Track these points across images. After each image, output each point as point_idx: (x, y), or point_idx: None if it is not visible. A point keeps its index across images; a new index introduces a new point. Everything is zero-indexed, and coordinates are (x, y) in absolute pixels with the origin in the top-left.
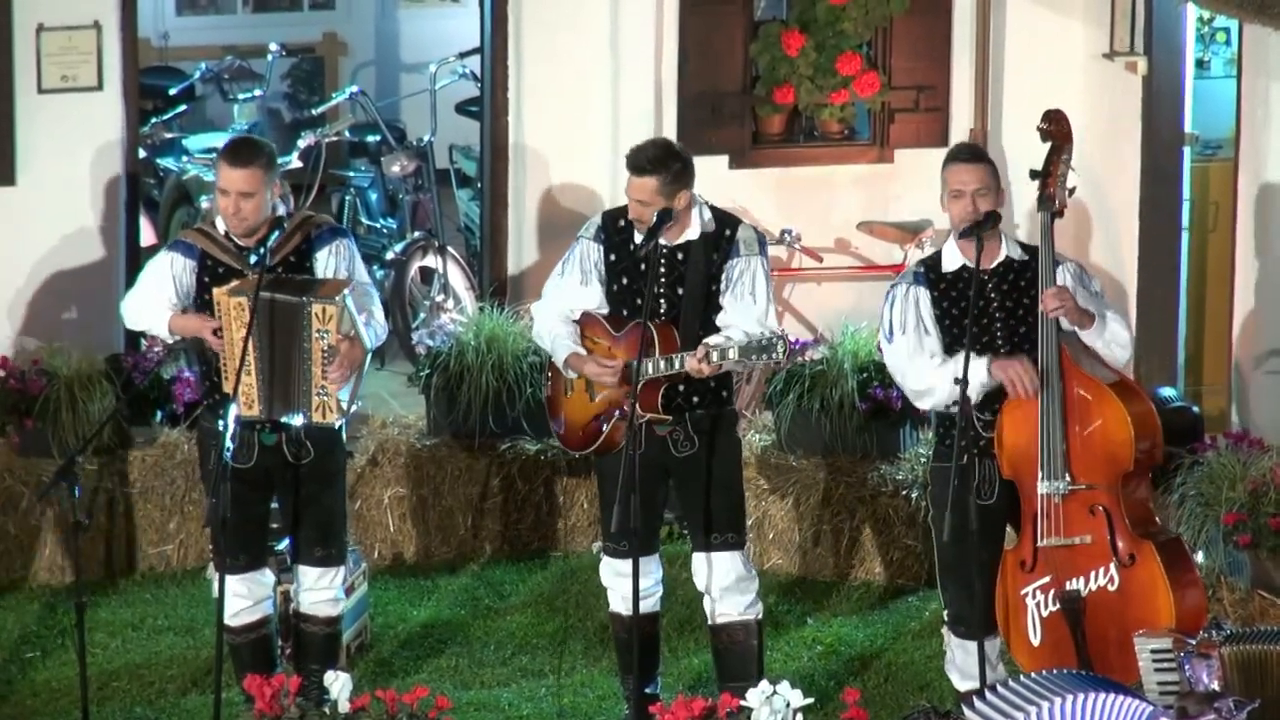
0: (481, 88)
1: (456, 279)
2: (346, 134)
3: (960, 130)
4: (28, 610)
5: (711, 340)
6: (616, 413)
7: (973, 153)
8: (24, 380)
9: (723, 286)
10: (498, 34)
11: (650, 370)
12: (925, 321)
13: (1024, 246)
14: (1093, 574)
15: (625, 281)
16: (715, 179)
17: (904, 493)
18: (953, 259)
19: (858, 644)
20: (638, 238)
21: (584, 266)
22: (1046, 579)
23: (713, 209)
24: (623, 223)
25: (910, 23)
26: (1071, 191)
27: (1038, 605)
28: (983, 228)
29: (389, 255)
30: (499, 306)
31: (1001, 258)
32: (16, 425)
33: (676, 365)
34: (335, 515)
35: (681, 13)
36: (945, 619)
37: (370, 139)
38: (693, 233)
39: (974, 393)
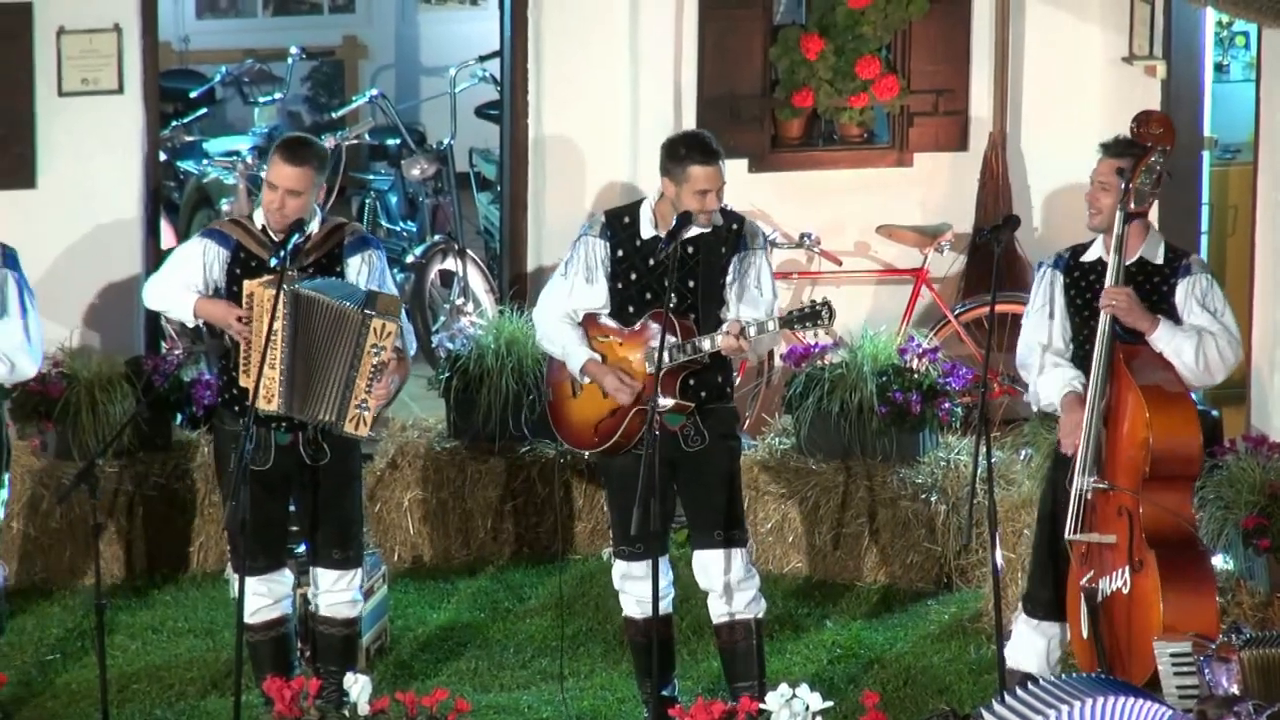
0: (501, 91)
1: (476, 282)
2: (366, 137)
3: (979, 134)
4: (48, 613)
5: (743, 318)
6: (635, 408)
7: (1117, 147)
8: (44, 383)
9: (730, 279)
10: (518, 37)
11: (676, 356)
12: (1053, 305)
13: (1171, 250)
14: (1114, 574)
15: (633, 278)
16: (735, 182)
17: (923, 496)
18: (1096, 249)
19: (877, 647)
20: (644, 233)
21: (589, 263)
22: (1092, 573)
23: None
24: (628, 219)
25: (929, 26)
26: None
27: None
28: (1000, 231)
29: (409, 258)
30: (518, 309)
31: (1136, 256)
32: (38, 428)
33: (707, 346)
34: (353, 517)
35: (701, 16)
36: (1022, 595)
37: (390, 142)
38: (703, 227)
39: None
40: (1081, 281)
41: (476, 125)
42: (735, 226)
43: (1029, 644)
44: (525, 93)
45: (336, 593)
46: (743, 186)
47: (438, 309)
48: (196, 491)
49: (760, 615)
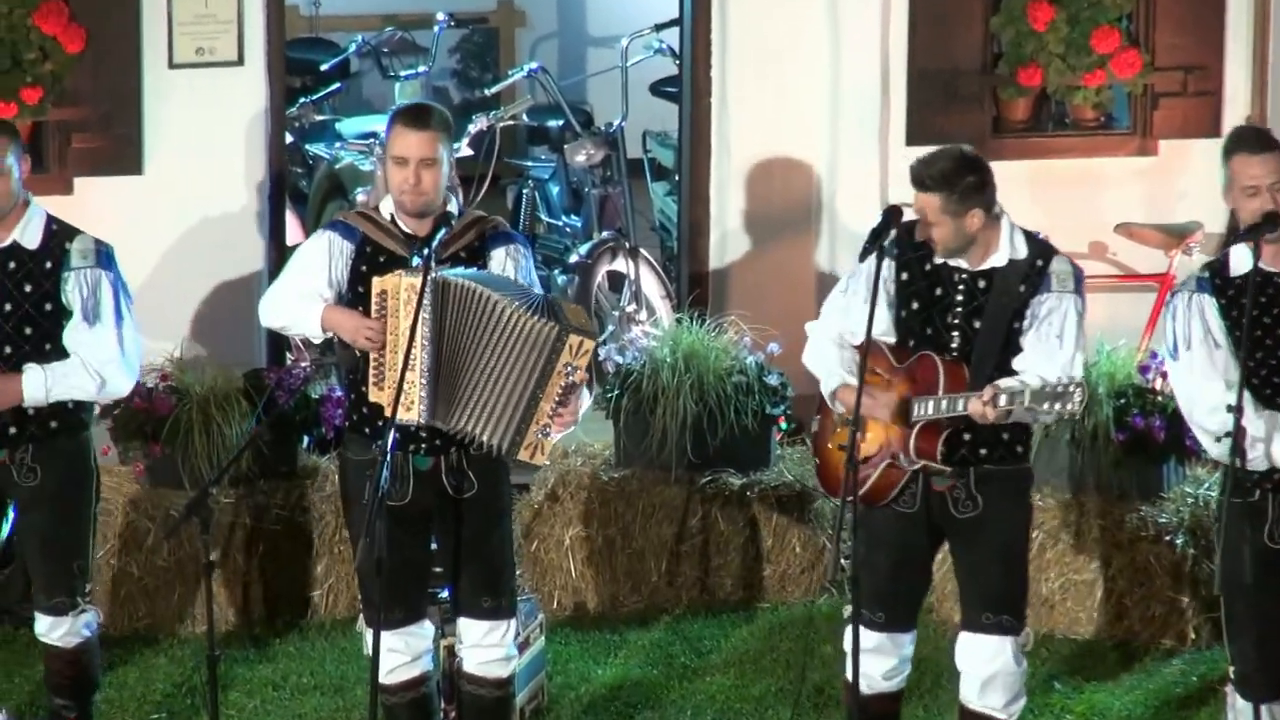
0: (680, 65)
1: (650, 286)
2: (524, 118)
3: (1236, 118)
4: (153, 665)
5: (1003, 382)
6: (890, 458)
7: (1261, 141)
8: (151, 399)
9: (1026, 324)
10: (699, 3)
11: (928, 410)
12: (1214, 334)
13: None
14: None
15: (916, 306)
16: None
17: (1167, 538)
18: (1242, 262)
19: (1112, 713)
20: (937, 257)
21: (869, 283)
22: None
23: (1025, 233)
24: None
25: None
26: None
27: None
28: (1259, 231)
29: (572, 258)
30: (699, 317)
31: None
32: (142, 451)
33: (959, 407)
34: (504, 558)
35: None
36: (1230, 676)
37: (551, 124)
38: (999, 258)
39: (1260, 453)
40: (1242, 300)
41: (651, 104)
42: (1040, 262)
43: None
44: (708, 67)
45: (487, 648)
46: None
47: (605, 317)
48: (325, 526)
49: (1016, 718)
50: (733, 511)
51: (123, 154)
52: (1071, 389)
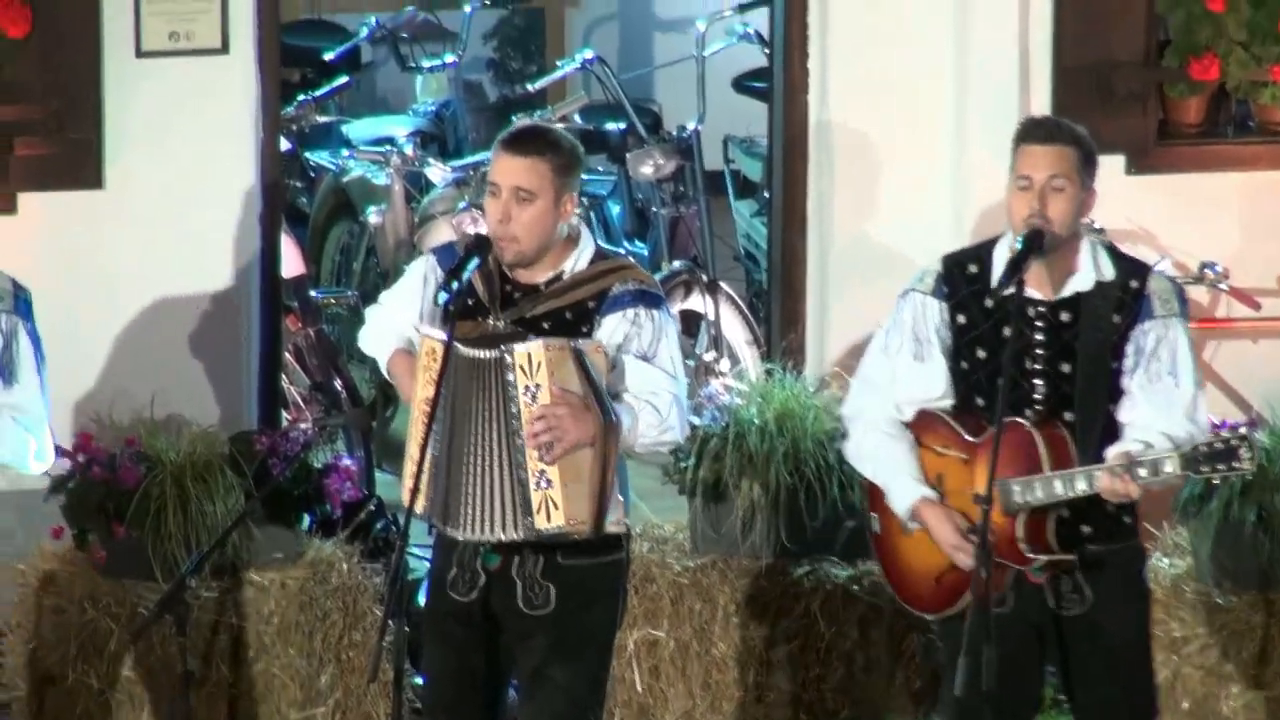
0: (771, 55)
1: (733, 329)
2: (577, 120)
3: None
4: None
5: (1133, 447)
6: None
7: None
8: (114, 468)
9: (1129, 363)
10: None
11: (1036, 494)
12: None
13: None
14: None
15: (982, 355)
16: (1105, 188)
17: None
18: None
19: None
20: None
21: (919, 334)
22: None
23: (1109, 247)
24: (974, 268)
25: None
26: None
27: None
28: None
29: None
30: (794, 369)
31: None
32: (102, 534)
33: (1080, 487)
34: (571, 701)
35: None
36: None
37: (611, 127)
38: (1083, 280)
39: None
40: None
41: (734, 104)
42: (1134, 284)
43: None
44: (805, 57)
45: None
46: (1117, 193)
47: None
48: (331, 627)
49: None
50: (836, 610)
51: (80, 163)
52: (1235, 446)
